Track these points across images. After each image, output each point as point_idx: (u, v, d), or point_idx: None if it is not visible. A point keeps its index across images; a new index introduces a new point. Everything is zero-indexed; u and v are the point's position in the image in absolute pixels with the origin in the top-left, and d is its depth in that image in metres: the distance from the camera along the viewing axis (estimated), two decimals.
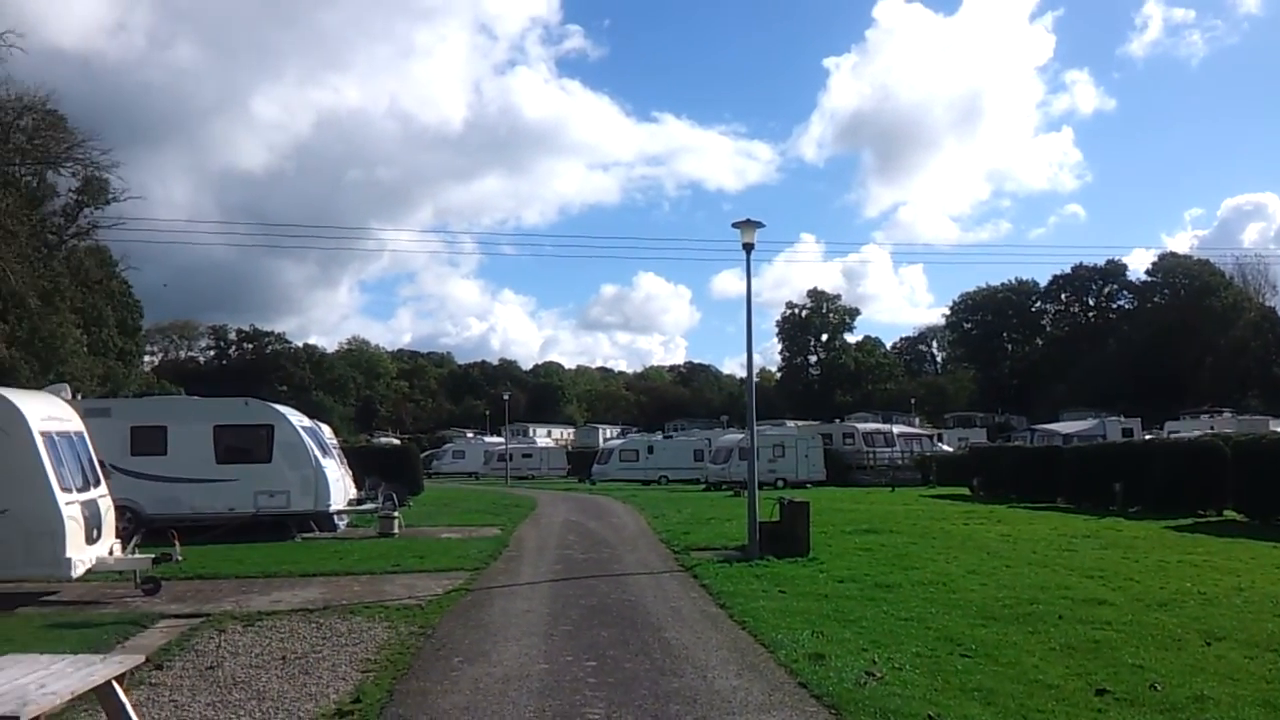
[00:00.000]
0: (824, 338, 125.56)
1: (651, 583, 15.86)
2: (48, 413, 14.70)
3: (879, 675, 9.24)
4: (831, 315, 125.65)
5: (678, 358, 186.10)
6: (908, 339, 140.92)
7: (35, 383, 32.73)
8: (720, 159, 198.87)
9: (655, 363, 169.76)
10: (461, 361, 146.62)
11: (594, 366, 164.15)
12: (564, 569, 17.62)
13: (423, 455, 57.07)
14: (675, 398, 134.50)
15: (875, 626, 11.66)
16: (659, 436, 67.76)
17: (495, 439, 78.35)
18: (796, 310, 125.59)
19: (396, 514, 24.05)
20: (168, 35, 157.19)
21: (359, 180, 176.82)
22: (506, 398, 74.68)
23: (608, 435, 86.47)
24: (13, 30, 43.48)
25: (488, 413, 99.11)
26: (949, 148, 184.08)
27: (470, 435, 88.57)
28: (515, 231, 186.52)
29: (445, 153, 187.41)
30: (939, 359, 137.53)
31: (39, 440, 13.75)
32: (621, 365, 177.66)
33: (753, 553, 18.41)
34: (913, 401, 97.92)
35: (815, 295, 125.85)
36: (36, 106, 45.29)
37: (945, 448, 62.25)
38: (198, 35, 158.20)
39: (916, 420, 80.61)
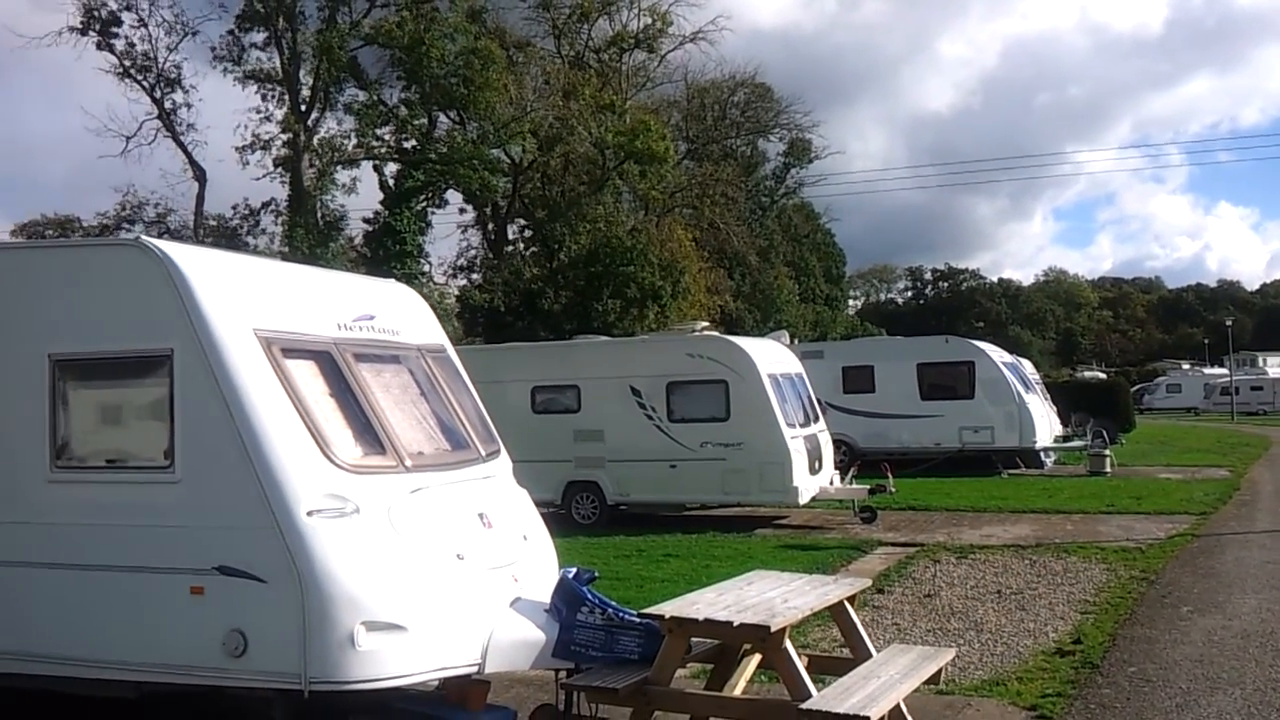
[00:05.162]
0: None
1: None
2: (772, 357, 16.42)
3: None
4: None
5: None
6: None
7: (757, 331, 36.73)
8: None
9: None
10: (1172, 286, 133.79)
11: None
12: None
13: (1132, 389, 53.38)
14: None
15: None
16: None
17: (1217, 370, 70.49)
18: None
19: (1107, 452, 22.86)
20: None
21: (1049, 103, 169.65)
22: (1229, 323, 66.64)
23: None
24: (722, 15, 49.05)
25: (1206, 341, 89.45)
26: None
27: (1186, 367, 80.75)
28: (1231, 135, 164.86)
29: (1144, 59, 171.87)
30: None
31: (767, 382, 15.43)
32: None
33: None
34: None
35: None
36: (747, 82, 50.55)
37: None
38: None
39: None
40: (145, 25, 32.33)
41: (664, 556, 13.10)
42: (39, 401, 6.37)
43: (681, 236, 38.32)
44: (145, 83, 32.78)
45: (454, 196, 37.38)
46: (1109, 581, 10.86)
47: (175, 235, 31.40)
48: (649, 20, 42.69)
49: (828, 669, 6.48)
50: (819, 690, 5.55)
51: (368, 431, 6.31)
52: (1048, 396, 26.60)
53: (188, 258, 6.21)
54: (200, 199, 33.37)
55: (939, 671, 6.23)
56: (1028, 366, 27.64)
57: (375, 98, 34.33)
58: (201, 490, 5.90)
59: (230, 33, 32.61)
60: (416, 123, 34.63)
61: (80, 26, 31.66)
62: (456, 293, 38.13)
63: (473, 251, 41.15)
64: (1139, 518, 15.57)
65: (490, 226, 39.76)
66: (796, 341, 26.11)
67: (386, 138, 35.39)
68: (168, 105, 33.05)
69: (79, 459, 6.44)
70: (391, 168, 35.57)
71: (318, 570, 5.59)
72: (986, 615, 9.53)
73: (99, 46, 32.08)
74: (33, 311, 6.58)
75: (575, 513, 16.35)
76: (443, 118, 36.23)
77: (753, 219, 50.44)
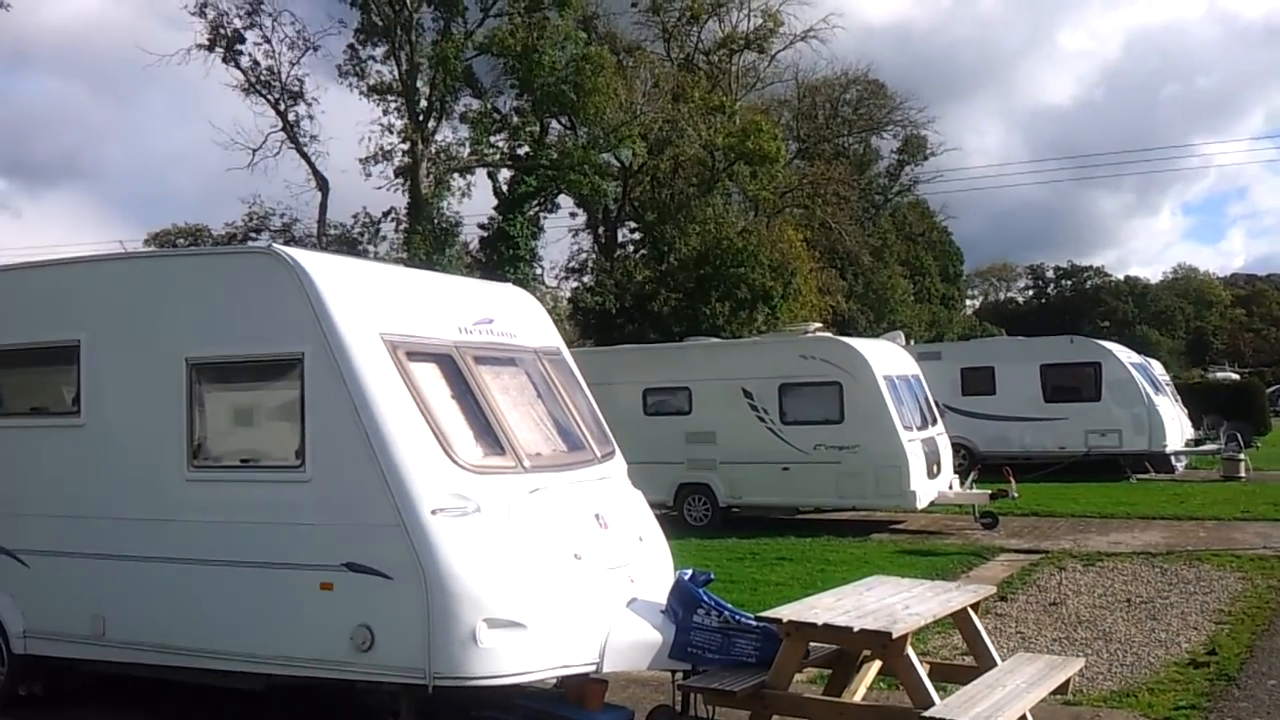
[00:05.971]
0: None
1: None
2: (887, 358, 16.16)
3: None
4: None
5: None
6: None
7: (871, 332, 36.17)
8: None
9: None
10: None
11: None
12: None
13: (1268, 391, 50.95)
14: None
15: None
16: None
17: None
18: None
19: (1242, 456, 21.86)
20: None
21: (1176, 95, 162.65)
22: None
23: None
24: (834, 13, 48.56)
25: None
26: None
27: None
28: None
29: (1277, 48, 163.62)
30: None
31: (882, 383, 15.18)
32: None
33: None
34: None
35: None
36: (859, 79, 49.89)
37: None
38: None
39: None
40: (269, 41, 33.50)
41: (777, 560, 13.01)
42: (177, 403, 6.66)
43: (792, 237, 37.95)
44: (270, 97, 33.93)
45: (565, 201, 37.80)
46: (1245, 591, 10.40)
47: (300, 244, 32.39)
48: (759, 20, 42.44)
49: (950, 677, 6.34)
50: (942, 698, 5.44)
51: (488, 433, 6.43)
52: (1178, 398, 25.58)
53: (317, 265, 6.42)
54: (323, 208, 34.35)
55: (1067, 682, 6.05)
56: (1157, 367, 26.62)
57: (489, 106, 34.91)
58: (330, 489, 6.09)
59: (350, 46, 33.55)
60: (529, 129, 35.09)
61: (207, 44, 32.91)
62: (568, 296, 38.54)
63: (584, 255, 41.56)
64: (1276, 525, 14.85)
65: (601, 230, 40.05)
66: (912, 342, 25.63)
67: (500, 145, 35.94)
68: (291, 118, 34.13)
69: (214, 458, 6.71)
70: (505, 174, 36.13)
71: (441, 568, 5.72)
72: (1115, 624, 9.21)
73: (225, 62, 33.35)
74: (170, 317, 6.88)
75: (687, 515, 16.34)
76: (554, 124, 36.66)
77: (865, 218, 49.73)
